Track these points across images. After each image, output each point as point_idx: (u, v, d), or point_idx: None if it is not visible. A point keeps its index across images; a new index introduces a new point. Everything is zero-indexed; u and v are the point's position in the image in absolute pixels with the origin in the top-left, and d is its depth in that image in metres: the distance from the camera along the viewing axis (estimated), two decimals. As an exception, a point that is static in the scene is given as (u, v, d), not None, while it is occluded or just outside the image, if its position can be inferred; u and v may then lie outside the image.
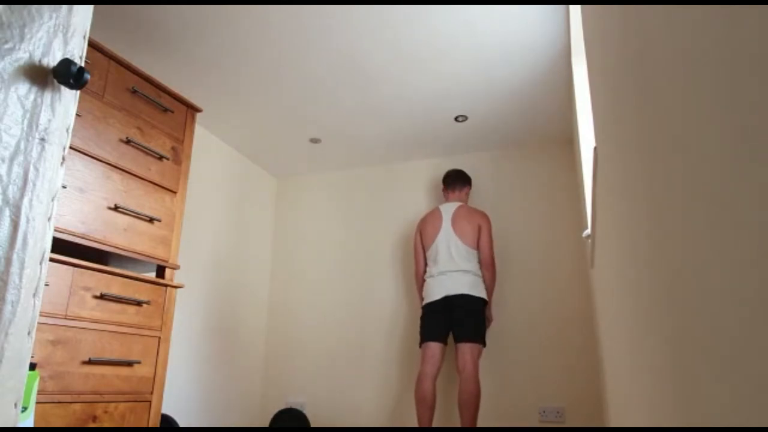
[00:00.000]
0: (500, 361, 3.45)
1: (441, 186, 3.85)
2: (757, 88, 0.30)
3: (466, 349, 2.97)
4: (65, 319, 1.90)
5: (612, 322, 1.51)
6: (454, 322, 3.06)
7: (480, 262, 3.22)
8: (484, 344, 3.04)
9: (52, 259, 1.88)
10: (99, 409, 1.96)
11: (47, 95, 0.85)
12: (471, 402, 2.84)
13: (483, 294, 3.11)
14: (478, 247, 3.23)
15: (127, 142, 2.27)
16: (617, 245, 1.11)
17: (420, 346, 3.12)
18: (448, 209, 3.35)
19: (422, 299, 3.24)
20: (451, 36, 2.65)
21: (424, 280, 3.31)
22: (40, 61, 0.85)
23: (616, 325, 1.37)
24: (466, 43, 2.70)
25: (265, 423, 3.84)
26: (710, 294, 0.42)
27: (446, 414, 3.46)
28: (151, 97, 2.42)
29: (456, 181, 3.50)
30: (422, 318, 3.18)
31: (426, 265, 3.35)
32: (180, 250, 3.31)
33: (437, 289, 3.13)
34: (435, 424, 3.46)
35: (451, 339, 3.35)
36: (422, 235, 3.36)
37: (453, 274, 3.12)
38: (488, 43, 2.71)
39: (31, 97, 0.83)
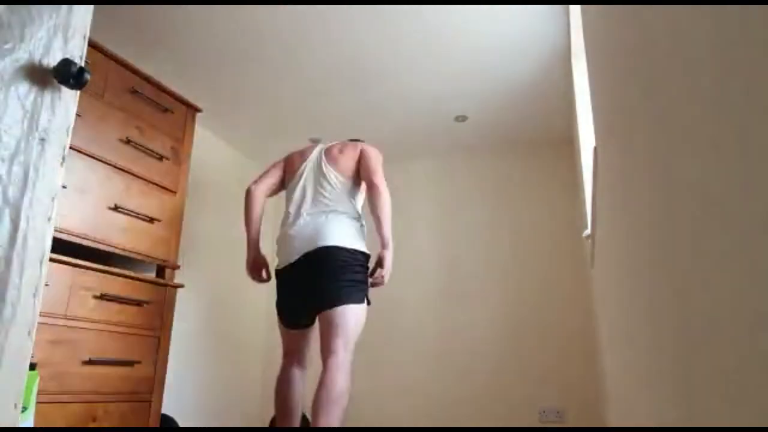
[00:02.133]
0: (500, 361, 3.44)
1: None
2: (757, 87, 0.30)
3: (333, 323, 2.05)
4: (65, 319, 1.90)
5: (612, 321, 1.51)
6: (316, 288, 2.08)
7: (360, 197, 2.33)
8: (362, 301, 2.12)
9: (52, 259, 1.88)
10: (99, 409, 1.96)
11: (47, 95, 0.85)
12: (329, 406, 1.92)
13: (361, 246, 2.16)
14: (357, 177, 2.28)
15: (127, 142, 2.27)
16: (617, 245, 1.11)
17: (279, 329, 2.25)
18: (327, 144, 2.39)
19: (255, 234, 2.27)
20: (451, 36, 2.65)
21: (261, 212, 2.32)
22: (40, 61, 0.85)
23: (616, 325, 1.37)
24: (466, 43, 2.70)
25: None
26: (710, 293, 0.42)
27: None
28: (151, 97, 2.42)
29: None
30: (277, 288, 2.22)
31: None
32: (180, 250, 3.31)
33: (296, 243, 2.14)
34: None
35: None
36: (286, 163, 2.38)
37: (317, 218, 2.16)
38: (488, 43, 2.71)
39: (31, 97, 0.83)
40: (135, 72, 2.36)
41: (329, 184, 2.22)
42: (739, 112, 0.33)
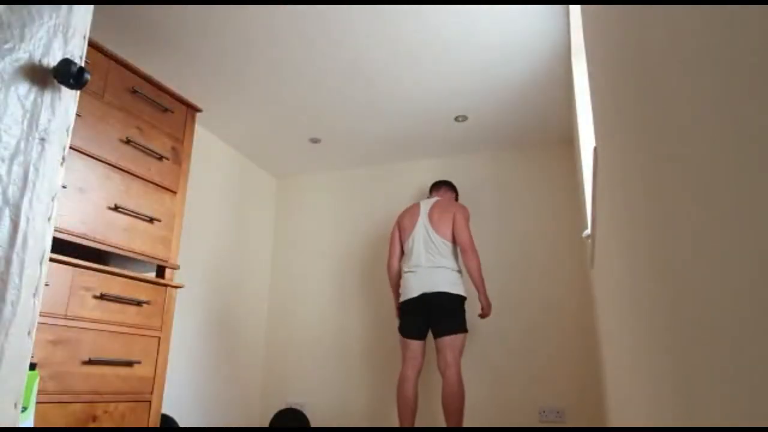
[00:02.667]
0: (500, 361, 3.45)
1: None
2: (757, 87, 0.30)
3: (447, 346, 2.87)
4: (65, 319, 1.90)
5: (612, 321, 1.51)
6: (432, 320, 2.97)
7: (459, 254, 3.11)
8: (465, 330, 2.95)
9: (52, 259, 1.88)
10: (99, 409, 1.96)
11: (47, 95, 0.85)
12: (456, 404, 2.75)
13: (461, 291, 3.00)
14: (454, 239, 3.11)
15: (127, 142, 2.27)
16: (617, 245, 1.11)
17: (400, 342, 3.05)
18: (427, 203, 3.26)
19: (398, 295, 3.15)
20: (452, 36, 2.65)
21: (400, 275, 3.20)
22: (40, 61, 0.85)
23: (616, 324, 1.37)
24: (466, 43, 2.70)
25: (265, 423, 3.83)
26: (710, 293, 0.42)
27: (427, 413, 3.46)
28: (151, 97, 2.42)
29: (440, 184, 3.46)
30: (401, 315, 3.10)
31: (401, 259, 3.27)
32: (180, 250, 3.31)
33: (415, 285, 3.02)
34: (417, 423, 3.46)
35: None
36: (400, 228, 3.26)
37: (430, 270, 3.02)
38: (488, 43, 2.71)
39: (31, 97, 0.83)
40: (135, 72, 2.36)
41: (435, 246, 3.07)
42: (740, 111, 0.33)
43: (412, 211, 3.27)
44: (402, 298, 3.07)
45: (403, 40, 2.69)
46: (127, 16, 2.53)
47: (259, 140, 3.81)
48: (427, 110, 3.37)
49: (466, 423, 3.39)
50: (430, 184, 4.02)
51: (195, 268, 3.44)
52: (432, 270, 3.00)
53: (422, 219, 3.17)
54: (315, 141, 3.81)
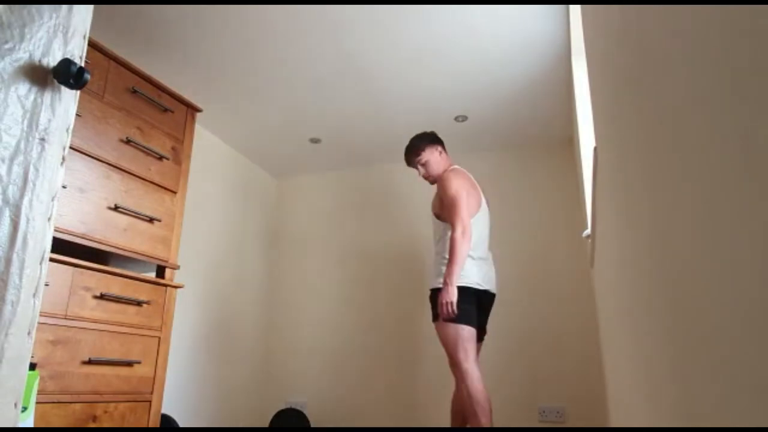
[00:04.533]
0: (500, 360, 3.44)
1: (441, 150, 2.92)
2: (757, 87, 0.30)
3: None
4: (65, 319, 1.90)
5: (612, 321, 1.51)
6: (481, 320, 2.65)
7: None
8: None
9: (52, 259, 1.88)
10: (99, 409, 1.96)
11: (47, 95, 0.85)
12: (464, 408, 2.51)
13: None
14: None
15: (127, 142, 2.27)
16: (617, 245, 1.11)
17: (465, 334, 2.50)
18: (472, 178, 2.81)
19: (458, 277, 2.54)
20: (451, 36, 2.65)
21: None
22: (40, 61, 0.85)
23: (616, 324, 1.37)
24: (466, 43, 2.70)
25: (265, 423, 3.83)
26: (710, 293, 0.42)
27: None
28: (151, 97, 2.42)
29: (439, 141, 2.94)
30: (468, 302, 2.53)
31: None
32: (180, 250, 3.31)
33: (487, 277, 2.63)
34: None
35: None
36: (469, 202, 2.66)
37: (491, 264, 2.73)
38: (488, 43, 2.71)
39: (31, 97, 0.83)
40: (135, 72, 2.36)
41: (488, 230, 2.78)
42: (740, 111, 0.33)
43: (472, 184, 2.77)
44: (472, 286, 2.54)
45: (403, 40, 2.69)
46: (127, 16, 2.53)
47: (259, 140, 3.81)
48: (427, 110, 3.37)
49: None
50: (430, 184, 4.01)
51: (195, 268, 3.44)
52: (491, 265, 2.72)
53: (484, 201, 2.79)
54: (315, 141, 3.81)
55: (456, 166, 2.85)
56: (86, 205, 2.07)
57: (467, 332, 2.48)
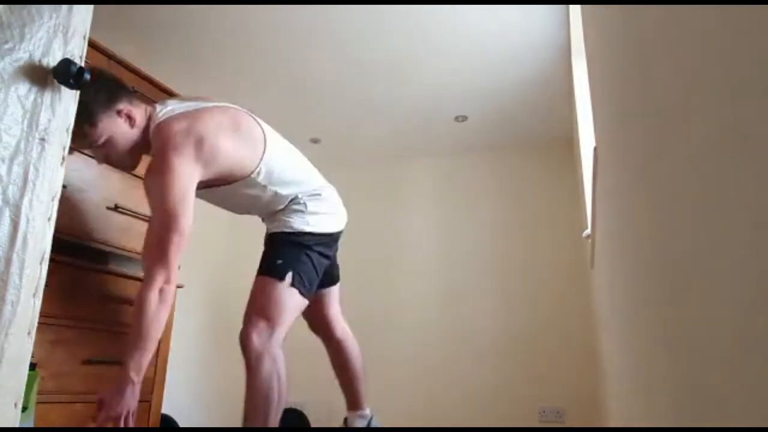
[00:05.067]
0: (500, 361, 3.44)
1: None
2: (757, 87, 0.30)
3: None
4: (65, 319, 1.90)
5: (612, 322, 1.51)
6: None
7: None
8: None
9: (52, 259, 1.88)
10: (99, 409, 1.96)
11: (47, 95, 0.85)
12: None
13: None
14: None
15: (127, 142, 2.26)
16: (617, 245, 1.11)
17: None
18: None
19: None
20: (451, 36, 2.65)
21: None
22: (40, 61, 0.85)
23: (615, 325, 1.37)
24: (466, 43, 2.70)
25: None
26: (710, 294, 0.42)
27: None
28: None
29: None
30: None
31: None
32: (180, 250, 3.31)
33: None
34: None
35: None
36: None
37: None
38: (488, 43, 2.71)
39: (31, 97, 0.83)
40: (135, 72, 2.36)
41: None
42: (739, 111, 0.33)
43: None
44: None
45: (403, 40, 2.69)
46: (127, 16, 2.53)
47: (259, 140, 3.81)
48: (427, 110, 3.36)
49: (469, 423, 3.38)
50: (429, 184, 4.01)
51: (195, 268, 3.44)
52: None
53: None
54: (315, 141, 3.81)
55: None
56: (86, 205, 2.07)
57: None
